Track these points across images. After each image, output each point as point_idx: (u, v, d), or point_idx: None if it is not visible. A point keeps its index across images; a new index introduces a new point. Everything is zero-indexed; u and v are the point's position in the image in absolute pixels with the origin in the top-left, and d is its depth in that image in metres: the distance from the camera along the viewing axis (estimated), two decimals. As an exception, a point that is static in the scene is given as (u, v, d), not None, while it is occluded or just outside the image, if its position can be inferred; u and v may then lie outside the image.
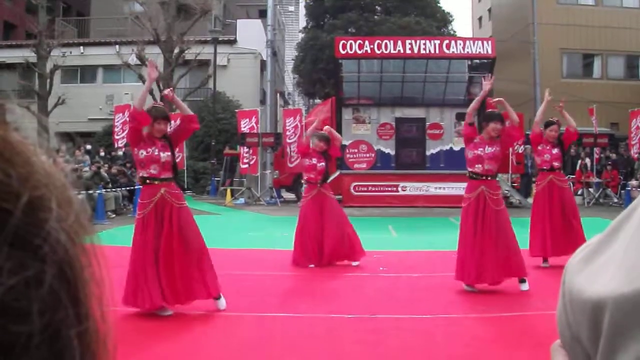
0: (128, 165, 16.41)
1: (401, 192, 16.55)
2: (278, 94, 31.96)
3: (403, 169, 16.76)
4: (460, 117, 15.66)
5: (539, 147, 7.25)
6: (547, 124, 7.26)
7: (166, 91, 5.47)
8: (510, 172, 17.63)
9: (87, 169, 14.87)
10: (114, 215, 13.85)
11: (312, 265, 7.20)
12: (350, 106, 17.37)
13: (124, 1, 28.20)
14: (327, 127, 8.01)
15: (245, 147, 18.14)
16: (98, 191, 13.13)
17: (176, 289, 4.86)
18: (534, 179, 14.70)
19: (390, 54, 16.44)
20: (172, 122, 5.79)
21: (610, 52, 28.24)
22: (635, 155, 17.97)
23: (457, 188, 15.02)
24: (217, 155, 21.41)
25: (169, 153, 5.07)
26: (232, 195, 18.41)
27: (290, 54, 40.39)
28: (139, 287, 4.80)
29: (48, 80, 21.43)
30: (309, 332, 4.54)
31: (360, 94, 17.42)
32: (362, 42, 16.75)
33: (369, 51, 16.43)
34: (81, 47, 27.17)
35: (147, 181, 5.03)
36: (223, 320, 4.93)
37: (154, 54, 19.61)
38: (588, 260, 0.49)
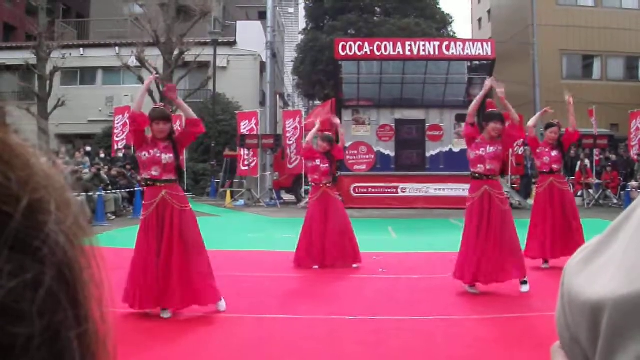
0: (128, 167, 16.42)
1: (401, 194, 16.54)
2: (278, 96, 31.99)
3: (403, 171, 16.76)
4: (460, 118, 15.67)
5: (538, 150, 7.26)
6: (548, 126, 7.28)
7: (168, 87, 5.46)
8: (510, 173, 17.63)
9: (87, 170, 14.88)
10: (113, 217, 13.86)
11: (317, 267, 7.20)
12: (350, 108, 17.36)
13: (123, 3, 28.19)
14: (336, 120, 8.36)
15: (245, 149, 18.14)
16: (98, 193, 13.14)
17: (174, 293, 4.84)
18: (534, 180, 14.72)
19: (390, 56, 16.42)
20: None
21: (609, 54, 28.24)
22: (635, 157, 17.97)
23: (457, 189, 15.06)
24: (217, 157, 21.41)
25: (172, 155, 5.03)
26: (232, 196, 18.41)
27: (290, 55, 40.39)
28: (138, 288, 4.81)
29: (48, 82, 21.43)
30: (309, 334, 4.54)
31: (360, 95, 17.42)
32: (361, 44, 16.74)
33: (369, 53, 16.41)
34: (81, 49, 27.18)
35: (149, 183, 5.03)
36: (223, 322, 4.92)
37: (154, 55, 19.66)
38: (587, 261, 0.49)
